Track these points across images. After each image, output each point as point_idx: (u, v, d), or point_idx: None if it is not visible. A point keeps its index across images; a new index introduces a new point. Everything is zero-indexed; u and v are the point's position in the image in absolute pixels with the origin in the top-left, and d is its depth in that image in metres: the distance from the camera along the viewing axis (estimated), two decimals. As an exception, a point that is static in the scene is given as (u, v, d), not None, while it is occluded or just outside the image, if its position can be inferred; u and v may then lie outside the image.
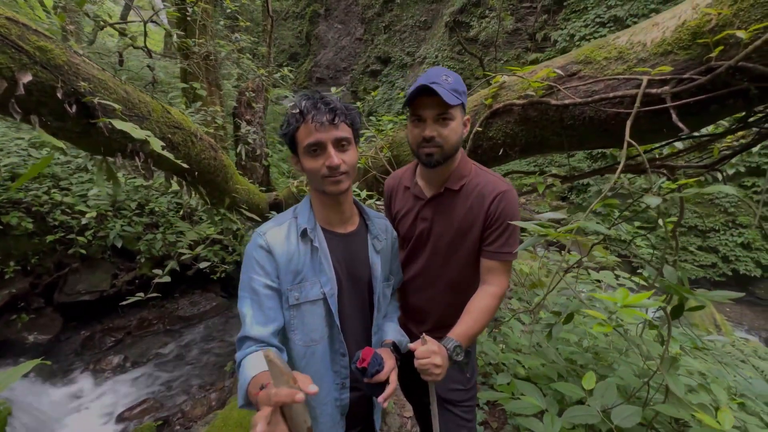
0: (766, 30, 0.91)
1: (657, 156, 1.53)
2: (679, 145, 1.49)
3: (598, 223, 1.11)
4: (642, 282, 2.51)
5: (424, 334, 0.99)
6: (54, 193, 3.98)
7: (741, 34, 0.91)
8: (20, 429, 2.87)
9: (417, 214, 1.23)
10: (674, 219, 1.41)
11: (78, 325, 4.32)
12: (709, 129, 1.42)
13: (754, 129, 1.22)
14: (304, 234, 1.01)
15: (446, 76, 1.06)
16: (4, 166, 3.72)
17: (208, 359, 4.14)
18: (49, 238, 3.87)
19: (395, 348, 1.13)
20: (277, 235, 1.00)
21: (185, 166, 1.59)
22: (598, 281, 2.69)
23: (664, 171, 1.43)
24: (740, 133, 1.33)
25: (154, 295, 2.21)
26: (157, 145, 1.23)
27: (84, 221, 3.48)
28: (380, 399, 0.95)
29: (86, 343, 4.10)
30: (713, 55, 1.00)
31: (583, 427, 1.55)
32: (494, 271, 1.14)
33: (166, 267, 2.37)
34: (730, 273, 7.30)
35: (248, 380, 0.85)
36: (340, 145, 0.96)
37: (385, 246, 1.16)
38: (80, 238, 3.94)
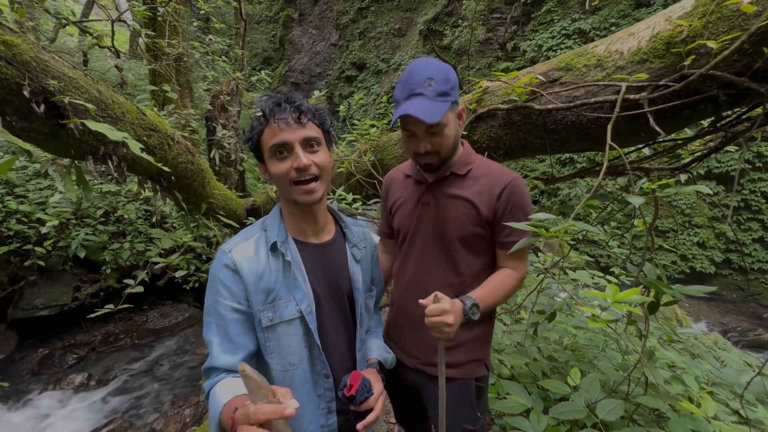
0: (733, 41, 0.98)
1: (632, 159, 1.61)
2: (647, 150, 1.57)
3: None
4: (615, 280, 2.62)
5: (437, 292, 0.94)
6: (8, 200, 3.70)
7: (712, 44, 0.98)
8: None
9: (418, 199, 1.17)
10: (648, 219, 1.48)
11: (35, 342, 4.03)
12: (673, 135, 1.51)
13: (722, 132, 1.30)
14: (274, 248, 0.91)
15: (430, 79, 0.97)
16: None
17: (181, 373, 3.94)
18: (3, 249, 3.58)
19: (380, 367, 1.07)
20: (244, 251, 0.90)
21: (166, 169, 1.51)
22: (575, 280, 2.79)
23: (639, 173, 1.50)
24: (707, 137, 1.42)
25: (126, 306, 2.09)
26: (135, 147, 1.16)
27: (44, 230, 3.24)
28: (359, 426, 0.89)
29: (45, 362, 3.81)
30: (686, 63, 1.07)
31: (567, 422, 1.58)
32: (512, 257, 1.11)
33: (135, 277, 2.23)
34: (688, 270, 7.80)
35: (221, 407, 0.76)
36: (308, 145, 0.87)
37: (365, 254, 1.08)
38: (38, 249, 3.67)
